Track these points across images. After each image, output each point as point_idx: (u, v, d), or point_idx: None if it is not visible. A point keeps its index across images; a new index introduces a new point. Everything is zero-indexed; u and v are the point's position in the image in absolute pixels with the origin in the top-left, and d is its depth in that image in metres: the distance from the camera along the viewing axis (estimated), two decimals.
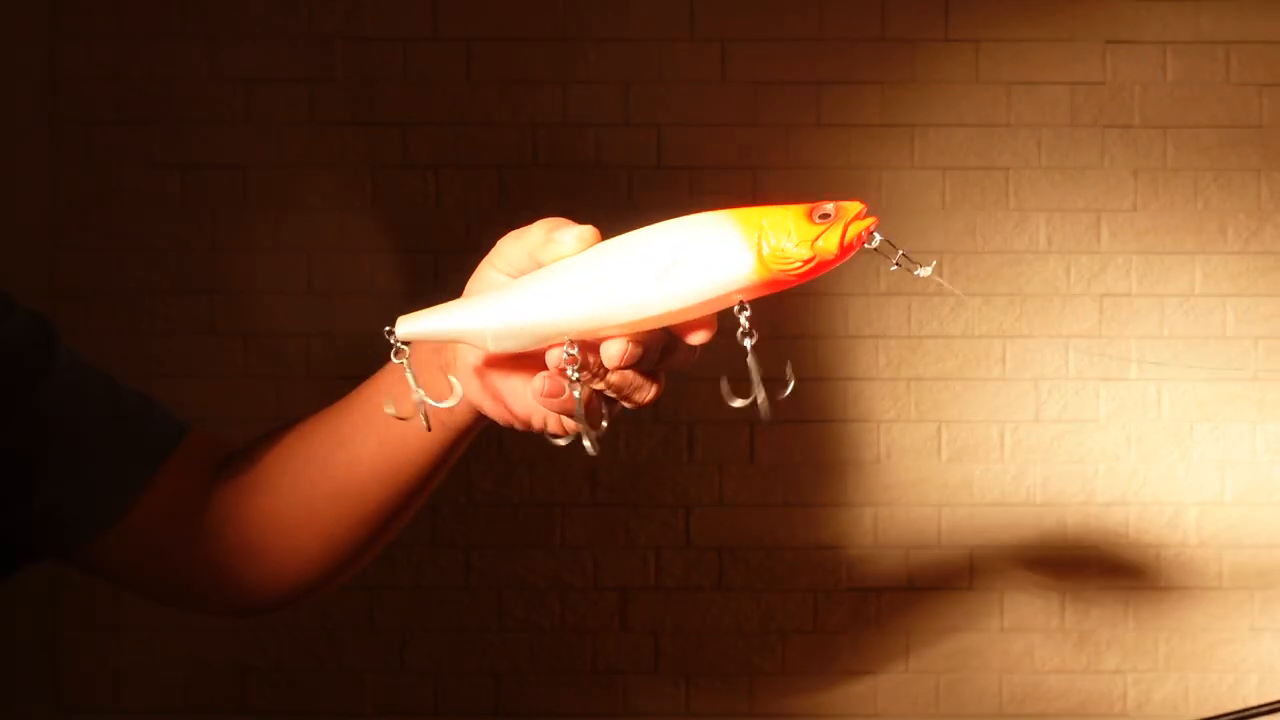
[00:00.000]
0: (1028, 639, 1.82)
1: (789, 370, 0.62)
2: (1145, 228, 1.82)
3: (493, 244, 0.63)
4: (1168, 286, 1.82)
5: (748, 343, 0.59)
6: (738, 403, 0.62)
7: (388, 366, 0.71)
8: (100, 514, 0.73)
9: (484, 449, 1.77)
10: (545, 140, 1.81)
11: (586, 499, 1.82)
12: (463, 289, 0.64)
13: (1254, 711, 0.90)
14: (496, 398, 0.66)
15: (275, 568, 0.78)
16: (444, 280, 1.79)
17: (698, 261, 0.58)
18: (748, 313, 0.59)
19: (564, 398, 0.60)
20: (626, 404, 0.63)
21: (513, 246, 0.62)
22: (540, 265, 0.61)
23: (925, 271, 0.59)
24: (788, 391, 0.62)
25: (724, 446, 1.82)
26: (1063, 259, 1.82)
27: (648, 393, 0.63)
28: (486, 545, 1.82)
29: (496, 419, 0.68)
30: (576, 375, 0.59)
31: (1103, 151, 1.82)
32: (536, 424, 0.66)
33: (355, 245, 1.81)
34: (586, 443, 0.62)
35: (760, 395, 0.60)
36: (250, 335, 1.81)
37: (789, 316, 1.79)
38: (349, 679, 1.82)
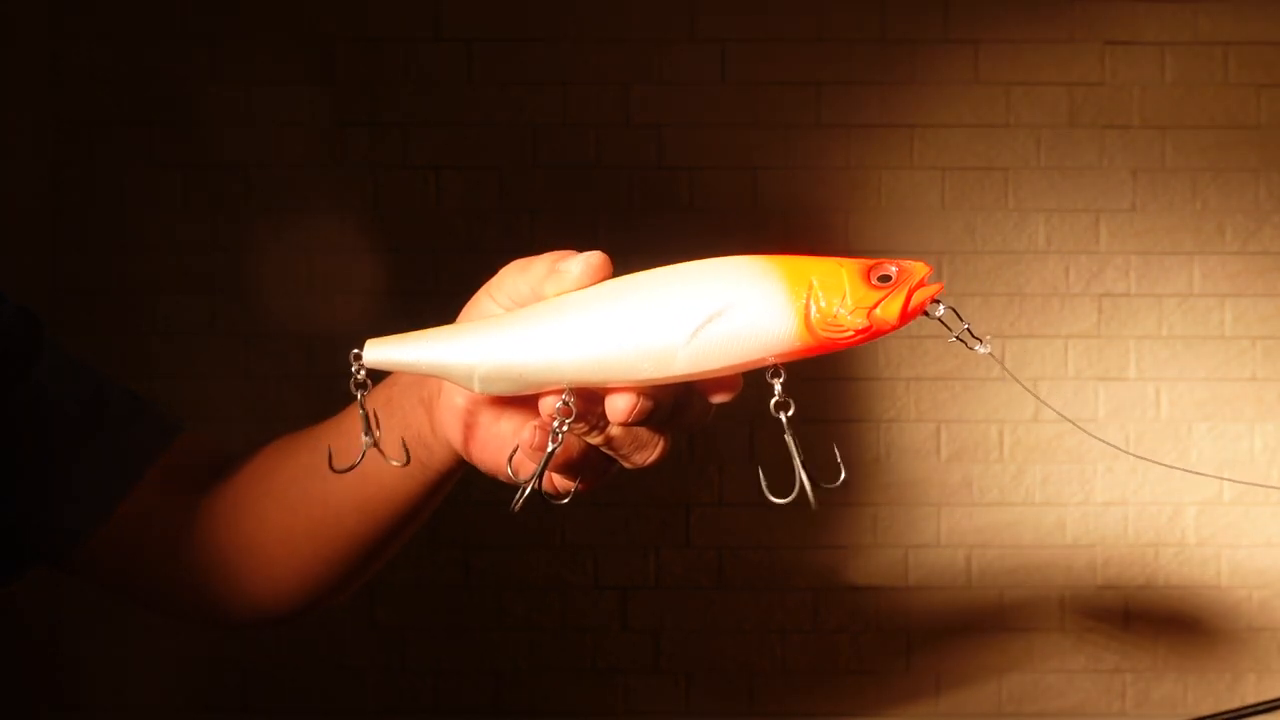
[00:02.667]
0: (1027, 638, 1.83)
1: (837, 455, 0.54)
2: (1144, 228, 1.82)
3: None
4: (1166, 286, 1.82)
5: (783, 416, 0.51)
6: (780, 500, 0.53)
7: (373, 391, 0.62)
8: (85, 516, 0.71)
9: None
10: (545, 140, 1.81)
11: (586, 499, 1.82)
12: (461, 290, 0.57)
13: (1252, 710, 0.91)
14: (482, 444, 0.59)
15: (252, 593, 0.75)
16: (444, 281, 1.79)
17: (736, 319, 0.50)
18: (782, 378, 0.51)
19: (554, 451, 0.52)
20: (627, 463, 0.56)
21: (515, 278, 0.54)
22: (543, 300, 0.53)
23: (985, 349, 0.51)
24: (840, 479, 0.53)
25: (724, 446, 1.82)
26: (1061, 259, 1.83)
27: (651, 453, 0.55)
28: (487, 544, 1.82)
29: (480, 467, 0.60)
30: (565, 427, 0.51)
31: (1101, 152, 1.82)
32: (524, 476, 0.56)
33: (355, 245, 1.81)
34: (530, 491, 0.53)
35: (805, 481, 0.52)
36: (250, 335, 1.81)
37: None
38: (350, 677, 1.82)
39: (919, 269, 0.50)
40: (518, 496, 0.53)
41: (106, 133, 1.80)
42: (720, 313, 0.50)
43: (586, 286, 0.52)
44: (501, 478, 0.59)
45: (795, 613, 1.83)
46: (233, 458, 0.77)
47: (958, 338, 0.51)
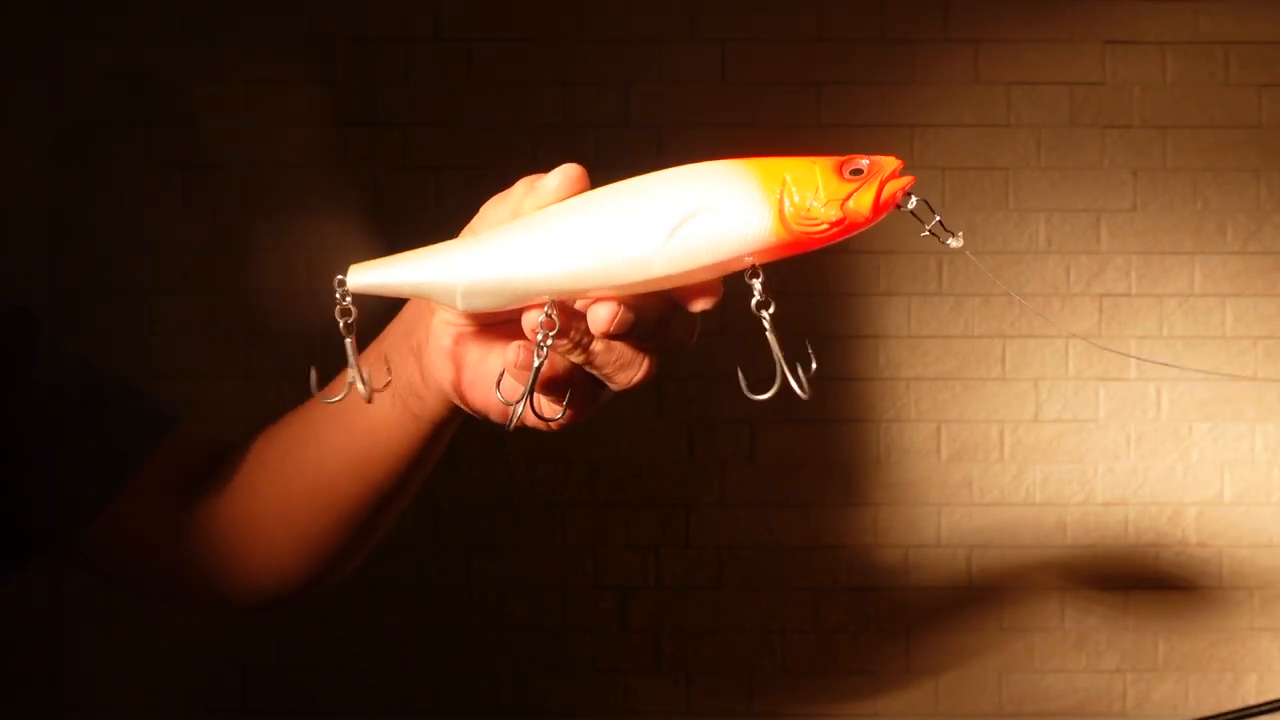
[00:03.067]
0: (1027, 638, 1.83)
1: (808, 350, 0.53)
2: (1144, 228, 1.82)
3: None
4: (1167, 286, 1.82)
5: (765, 315, 0.51)
6: (760, 396, 0.53)
7: (364, 354, 0.64)
8: (83, 509, 0.72)
9: (485, 448, 1.77)
10: (545, 140, 1.81)
11: (586, 499, 1.83)
12: None
13: (1253, 711, 0.91)
14: (471, 383, 0.59)
15: (253, 572, 0.75)
16: None
17: (712, 217, 0.51)
18: (760, 279, 0.51)
19: (540, 366, 0.52)
20: (612, 384, 0.55)
21: (496, 208, 0.55)
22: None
23: (956, 243, 0.51)
24: (813, 367, 0.52)
25: (724, 446, 1.82)
26: (1062, 259, 1.83)
27: (637, 370, 0.54)
28: (487, 545, 1.82)
29: (471, 409, 0.60)
30: (549, 341, 0.51)
31: (1102, 152, 1.82)
32: (513, 400, 0.56)
33: (355, 245, 1.81)
34: (523, 411, 0.52)
35: (788, 375, 0.52)
36: (250, 335, 1.81)
37: (789, 316, 1.79)
38: (351, 678, 1.82)
39: (890, 162, 0.51)
40: (511, 417, 0.54)
41: (106, 133, 1.80)
42: (696, 213, 0.51)
43: (565, 199, 0.53)
44: (493, 416, 0.59)
45: (795, 613, 1.83)
46: (231, 446, 0.77)
47: (930, 231, 0.51)
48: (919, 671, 1.83)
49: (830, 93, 1.82)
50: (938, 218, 0.51)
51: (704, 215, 0.51)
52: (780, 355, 0.51)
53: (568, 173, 0.53)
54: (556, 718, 1.83)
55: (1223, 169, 1.82)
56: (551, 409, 0.56)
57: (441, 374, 0.60)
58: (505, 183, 0.58)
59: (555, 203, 0.53)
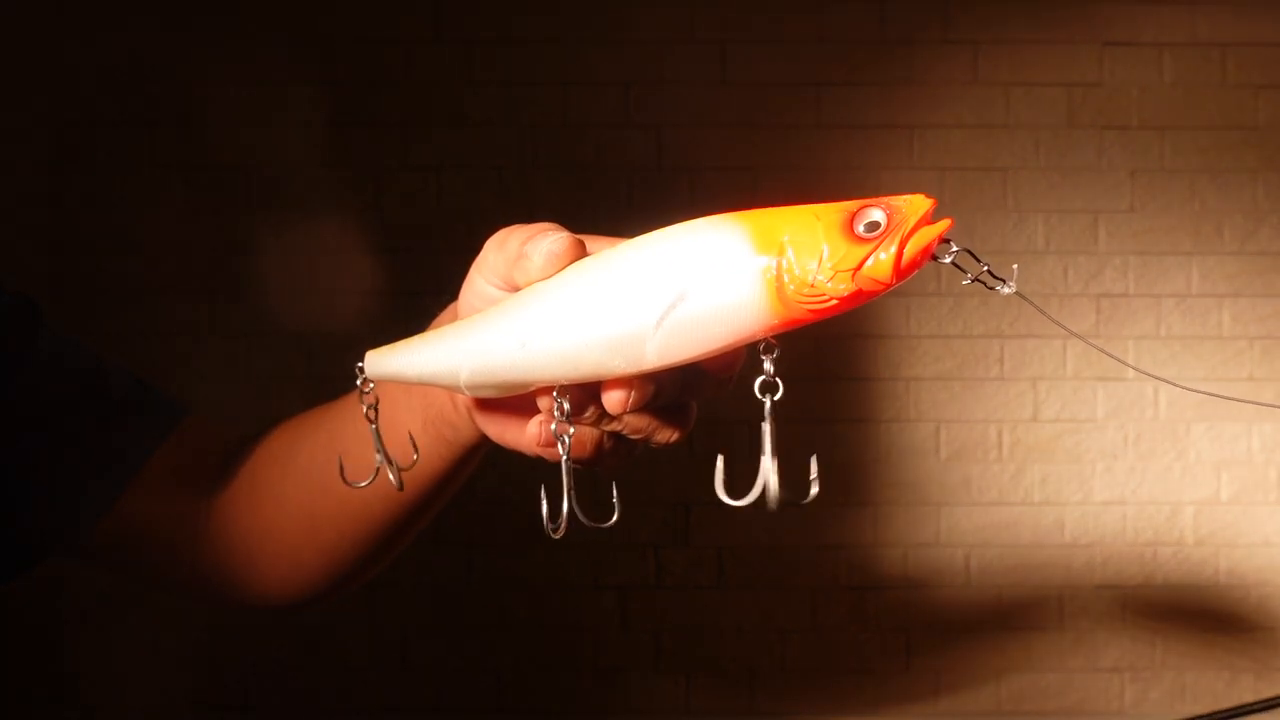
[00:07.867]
0: (1026, 637, 1.83)
1: (814, 467, 0.46)
2: (1142, 228, 1.83)
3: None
4: (1165, 287, 1.83)
5: (767, 399, 0.45)
6: (736, 502, 0.46)
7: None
8: (91, 504, 0.71)
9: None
10: (545, 141, 1.81)
11: (586, 498, 1.82)
12: (460, 291, 0.56)
13: (1250, 709, 0.91)
14: (503, 423, 0.58)
15: (277, 576, 0.75)
16: (444, 281, 1.79)
17: (700, 300, 0.42)
18: (774, 354, 0.44)
19: (568, 458, 0.50)
20: (653, 444, 0.54)
21: (495, 255, 0.53)
22: (515, 287, 0.50)
23: (1009, 289, 0.43)
24: (812, 494, 0.45)
25: (724, 446, 1.82)
26: (1060, 259, 1.83)
27: (672, 432, 0.53)
28: (487, 544, 1.82)
29: (505, 445, 0.60)
30: (571, 430, 0.49)
31: (1100, 152, 1.83)
32: (551, 456, 0.56)
33: (355, 245, 1.82)
34: (568, 508, 0.48)
35: (770, 479, 0.44)
36: (250, 335, 1.81)
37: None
38: (351, 677, 1.83)
39: (916, 207, 0.40)
40: (557, 523, 0.51)
41: (106, 133, 1.80)
42: (682, 296, 0.42)
43: (552, 274, 0.48)
44: (531, 454, 0.57)
45: (795, 613, 1.83)
46: (246, 439, 0.77)
47: (976, 279, 0.42)
48: (918, 670, 1.84)
49: (830, 93, 1.83)
50: (985, 267, 0.42)
51: (692, 298, 0.42)
52: (769, 454, 0.43)
53: (553, 249, 0.49)
54: (556, 718, 1.84)
55: (1220, 170, 1.82)
56: (579, 453, 0.53)
57: (476, 412, 0.60)
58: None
59: (542, 279, 0.48)
